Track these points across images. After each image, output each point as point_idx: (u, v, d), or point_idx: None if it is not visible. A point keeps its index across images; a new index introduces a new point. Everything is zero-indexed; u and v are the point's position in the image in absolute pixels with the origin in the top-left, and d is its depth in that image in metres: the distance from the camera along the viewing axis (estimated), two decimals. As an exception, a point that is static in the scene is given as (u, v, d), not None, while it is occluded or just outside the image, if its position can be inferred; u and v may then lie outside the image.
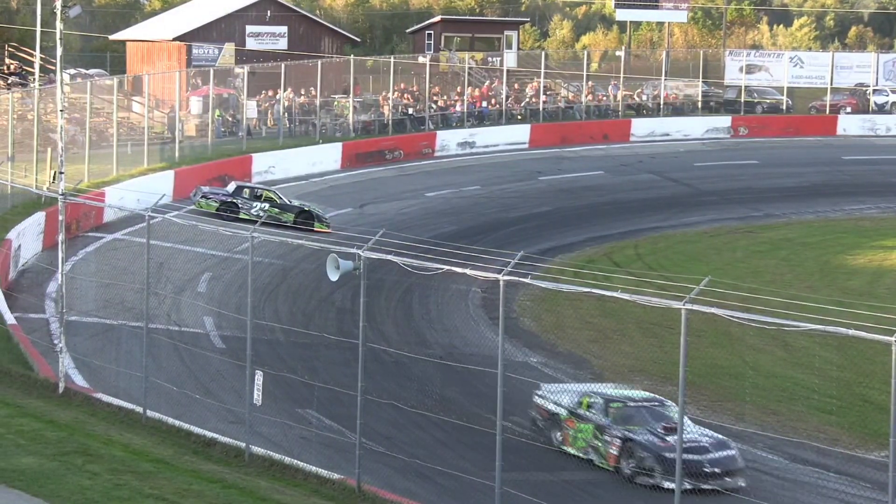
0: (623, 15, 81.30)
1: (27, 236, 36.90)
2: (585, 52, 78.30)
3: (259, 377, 21.12)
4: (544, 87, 68.18)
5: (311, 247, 23.79)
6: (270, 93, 62.32)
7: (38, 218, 38.09)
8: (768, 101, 73.05)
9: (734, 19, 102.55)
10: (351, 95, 61.89)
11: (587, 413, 23.15)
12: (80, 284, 32.22)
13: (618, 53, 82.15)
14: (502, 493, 18.08)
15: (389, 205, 49.29)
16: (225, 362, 27.20)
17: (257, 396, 21.16)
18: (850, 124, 70.49)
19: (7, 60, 67.97)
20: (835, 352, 27.13)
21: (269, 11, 71.16)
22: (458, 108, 65.06)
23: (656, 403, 23.33)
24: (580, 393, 23.86)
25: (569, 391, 24.16)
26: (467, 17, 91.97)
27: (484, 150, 61.85)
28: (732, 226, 48.74)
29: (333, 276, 20.33)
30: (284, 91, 60.29)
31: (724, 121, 69.55)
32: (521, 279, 18.81)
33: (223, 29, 70.03)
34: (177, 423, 22.23)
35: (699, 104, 72.19)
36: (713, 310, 16.15)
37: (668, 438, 21.74)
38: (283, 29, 71.10)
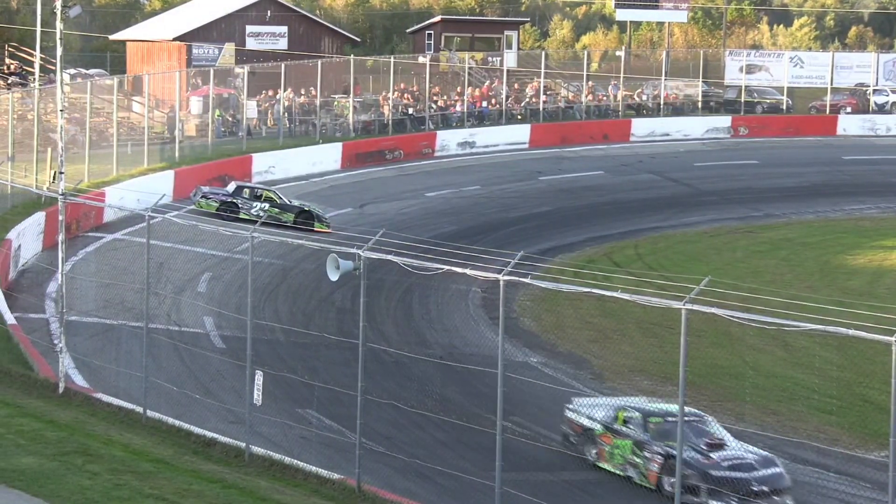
0: (623, 15, 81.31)
1: (27, 236, 36.90)
2: (585, 52, 78.31)
3: (259, 377, 21.12)
4: (544, 87, 68.19)
5: (311, 247, 23.78)
6: (270, 93, 62.34)
7: (38, 218, 38.09)
8: (768, 101, 73.06)
9: (734, 19, 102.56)
10: (351, 95, 61.90)
11: (624, 428, 22.24)
12: (80, 284, 32.22)
13: (618, 53, 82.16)
14: (502, 493, 18.08)
15: (389, 205, 49.29)
16: (225, 362, 27.20)
17: (257, 396, 21.16)
18: (850, 124, 70.50)
19: (7, 60, 67.99)
20: (835, 352, 27.14)
21: (269, 11, 71.17)
22: (458, 108, 65.07)
23: (696, 418, 22.17)
24: (615, 407, 22.90)
25: (602, 405, 23.25)
26: (467, 17, 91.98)
27: (484, 150, 61.86)
28: (732, 226, 48.75)
29: (333, 276, 20.33)
30: (284, 91, 60.30)
31: (724, 121, 69.56)
32: (521, 279, 18.81)
33: (223, 29, 70.04)
34: (177, 423, 22.23)
35: (699, 104, 72.20)
36: (713, 310, 16.15)
37: (712, 455, 21.05)
38: (283, 29, 71.12)
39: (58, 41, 25.40)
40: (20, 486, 17.80)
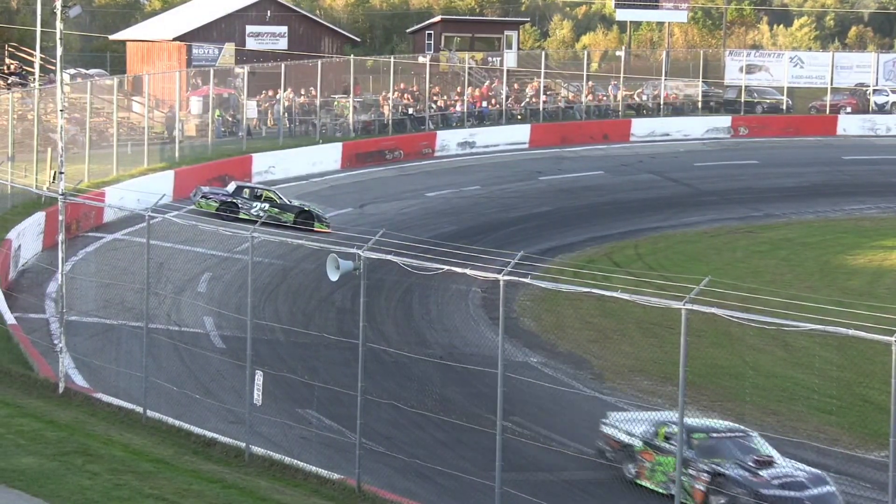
0: (623, 15, 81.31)
1: (27, 236, 36.90)
2: (585, 52, 78.31)
3: (259, 377, 21.12)
4: (544, 87, 68.19)
5: (311, 247, 23.78)
6: (270, 93, 62.34)
7: (38, 218, 38.09)
8: (768, 101, 73.06)
9: (734, 19, 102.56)
10: (351, 95, 61.90)
11: (666, 444, 21.30)
12: (80, 284, 32.22)
13: (618, 53, 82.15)
14: (502, 493, 18.08)
15: (389, 205, 49.29)
16: (225, 362, 27.20)
17: (257, 396, 21.16)
18: (850, 124, 70.50)
19: (7, 60, 67.99)
20: (835, 352, 27.13)
21: (269, 11, 71.17)
22: (458, 108, 65.08)
23: (740, 434, 21.61)
24: (654, 422, 22.09)
25: (640, 420, 22.43)
26: (467, 17, 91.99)
27: (484, 150, 61.86)
28: (732, 226, 48.75)
29: (333, 276, 20.32)
30: (284, 91, 60.30)
31: (725, 121, 69.56)
32: (521, 279, 18.81)
33: (223, 29, 70.04)
34: (177, 423, 22.23)
35: (699, 104, 72.20)
36: (713, 310, 16.15)
37: (761, 473, 20.41)
38: (283, 29, 71.12)
39: (58, 41, 25.40)
40: (20, 486, 17.81)
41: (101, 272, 34.92)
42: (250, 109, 59.80)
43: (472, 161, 59.66)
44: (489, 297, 34.96)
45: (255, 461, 20.51)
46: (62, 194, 25.42)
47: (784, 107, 72.87)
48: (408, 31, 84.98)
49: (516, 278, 18.53)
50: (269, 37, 70.73)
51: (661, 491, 21.33)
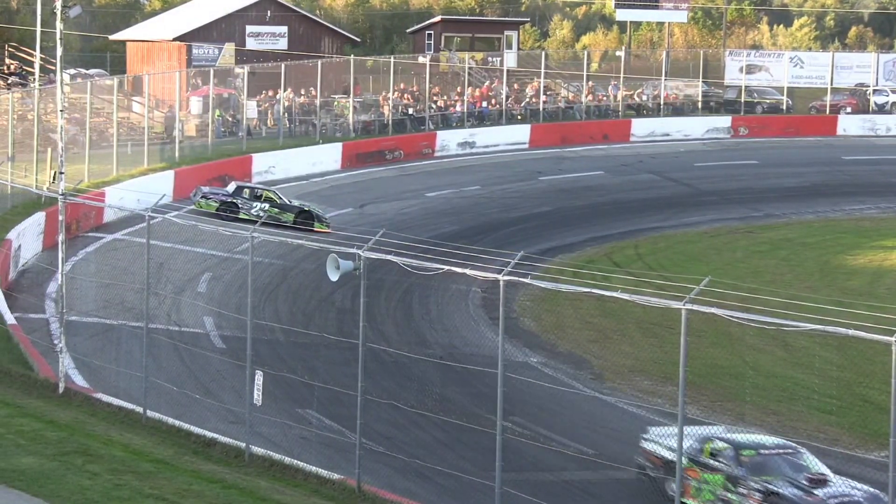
0: (623, 15, 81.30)
1: (27, 236, 36.90)
2: (585, 52, 78.31)
3: (259, 377, 21.12)
4: (544, 87, 68.18)
5: (311, 247, 23.78)
6: (270, 93, 62.34)
7: (38, 218, 38.10)
8: (768, 101, 73.05)
9: (734, 19, 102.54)
10: (351, 95, 61.89)
11: (714, 461, 20.49)
12: (80, 284, 32.22)
13: (618, 53, 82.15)
14: (502, 493, 18.08)
15: (389, 205, 49.29)
16: (225, 362, 27.20)
17: (257, 396, 21.16)
18: (850, 124, 70.49)
19: (7, 60, 67.98)
20: (835, 352, 27.14)
21: (269, 11, 71.16)
22: (458, 108, 65.07)
23: (790, 451, 20.68)
24: (698, 437, 21.11)
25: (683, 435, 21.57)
26: (467, 18, 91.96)
27: (484, 150, 61.86)
28: (732, 226, 48.75)
29: (333, 276, 20.33)
30: (284, 91, 60.30)
31: (725, 121, 69.55)
32: (521, 279, 18.82)
33: (223, 29, 70.03)
34: (177, 423, 22.23)
35: (699, 104, 72.19)
36: (713, 310, 16.15)
37: (816, 492, 19.54)
38: (283, 29, 71.11)
39: (58, 41, 25.40)
40: (20, 486, 17.81)
41: (101, 272, 34.92)
42: (250, 109, 59.79)
43: (472, 161, 59.66)
44: (489, 297, 34.96)
45: (255, 461, 20.51)
46: (62, 194, 25.42)
47: (784, 107, 72.86)
48: (408, 31, 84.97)
49: (516, 278, 18.53)
50: (269, 37, 70.72)
51: None
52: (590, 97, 69.10)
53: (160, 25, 75.39)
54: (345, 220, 44.44)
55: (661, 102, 70.69)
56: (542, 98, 67.47)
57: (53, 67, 44.12)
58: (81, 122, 50.02)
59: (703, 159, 62.05)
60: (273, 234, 32.09)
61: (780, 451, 20.61)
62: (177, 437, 21.58)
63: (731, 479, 20.19)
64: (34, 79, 52.80)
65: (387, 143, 59.74)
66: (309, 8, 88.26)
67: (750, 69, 73.98)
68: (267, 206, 44.21)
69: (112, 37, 77.82)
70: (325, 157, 56.37)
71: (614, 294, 18.25)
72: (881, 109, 72.43)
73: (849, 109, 72.15)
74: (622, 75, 71.62)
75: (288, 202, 44.90)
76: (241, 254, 34.04)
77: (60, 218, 25.27)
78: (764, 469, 20.15)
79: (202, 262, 35.95)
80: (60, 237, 25.17)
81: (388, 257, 20.09)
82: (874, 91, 72.87)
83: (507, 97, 66.97)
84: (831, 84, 72.89)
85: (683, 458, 20.06)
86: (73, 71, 66.51)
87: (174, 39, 69.88)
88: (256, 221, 27.78)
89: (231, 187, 45.75)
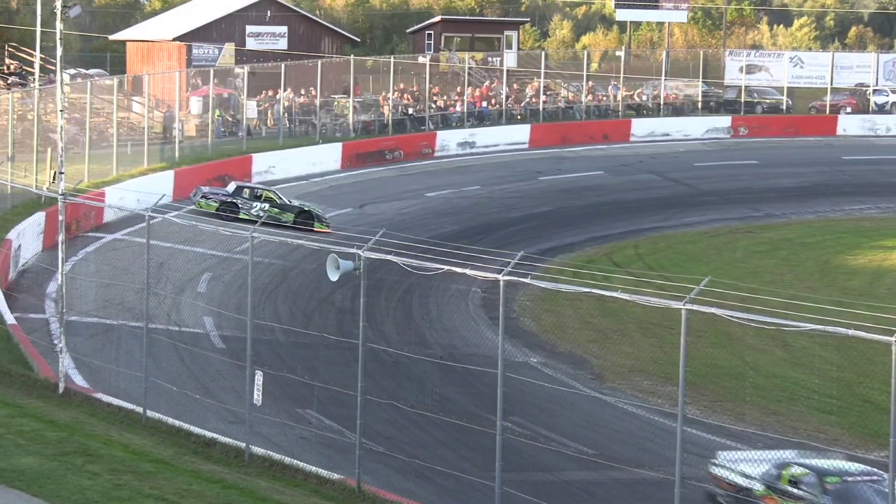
0: (623, 15, 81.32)
1: (27, 236, 36.90)
2: (585, 52, 78.31)
3: (259, 377, 21.11)
4: (544, 87, 68.18)
5: (311, 247, 23.79)
6: (270, 93, 62.34)
7: (38, 218, 38.10)
8: (768, 101, 73.05)
9: (734, 19, 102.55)
10: (351, 95, 61.89)
11: (795, 490, 19.18)
12: (80, 284, 32.22)
13: (618, 53, 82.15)
14: (502, 493, 18.07)
15: (389, 205, 49.30)
16: (225, 362, 27.20)
17: (257, 396, 21.16)
18: (850, 124, 70.49)
19: (7, 60, 67.98)
20: (835, 352, 27.14)
21: (269, 11, 71.16)
22: (458, 108, 65.07)
23: (871, 477, 19.37)
24: (774, 463, 19.91)
25: (756, 460, 20.21)
26: (467, 17, 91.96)
27: (484, 150, 61.86)
28: (732, 226, 48.75)
29: (333, 277, 20.32)
30: (284, 91, 60.30)
31: (724, 121, 69.55)
32: (521, 279, 18.81)
33: (223, 29, 70.03)
34: (177, 423, 22.22)
35: (699, 104, 72.19)
36: (713, 310, 16.14)
37: None
38: (283, 29, 71.11)
39: (58, 41, 25.40)
40: (20, 486, 17.80)
41: (101, 272, 34.92)
42: (250, 109, 59.79)
43: (472, 161, 59.66)
44: (489, 297, 34.96)
45: (255, 461, 20.50)
46: (62, 194, 25.42)
47: (784, 107, 72.86)
48: (408, 31, 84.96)
49: (516, 278, 18.53)
50: (269, 37, 70.72)
51: None
52: (590, 97, 69.11)
53: (160, 25, 75.39)
54: (345, 220, 44.44)
55: (661, 102, 70.69)
56: (542, 98, 67.48)
57: (53, 67, 44.11)
58: (81, 122, 50.02)
59: (702, 159, 62.05)
60: (273, 234, 32.09)
61: (866, 477, 19.45)
62: (177, 437, 21.58)
63: None
64: (34, 79, 52.79)
65: (387, 143, 59.75)
66: (309, 8, 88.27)
67: (750, 69, 73.98)
68: (267, 206, 44.21)
69: (112, 37, 77.81)
70: (325, 157, 56.37)
71: (614, 294, 18.25)
72: (881, 109, 72.43)
73: (849, 109, 72.15)
74: (622, 75, 71.62)
75: (288, 202, 44.90)
76: (241, 254, 34.03)
77: (60, 218, 25.27)
78: (851, 498, 19.02)
79: (202, 262, 35.95)
80: (60, 237, 25.17)
81: (388, 257, 20.08)
82: (874, 91, 72.87)
83: (507, 97, 66.97)
84: (831, 84, 72.90)
85: (759, 486, 19.48)
86: (73, 71, 66.50)
87: (174, 39, 69.88)
88: (256, 221, 27.78)
89: (231, 187, 45.74)
